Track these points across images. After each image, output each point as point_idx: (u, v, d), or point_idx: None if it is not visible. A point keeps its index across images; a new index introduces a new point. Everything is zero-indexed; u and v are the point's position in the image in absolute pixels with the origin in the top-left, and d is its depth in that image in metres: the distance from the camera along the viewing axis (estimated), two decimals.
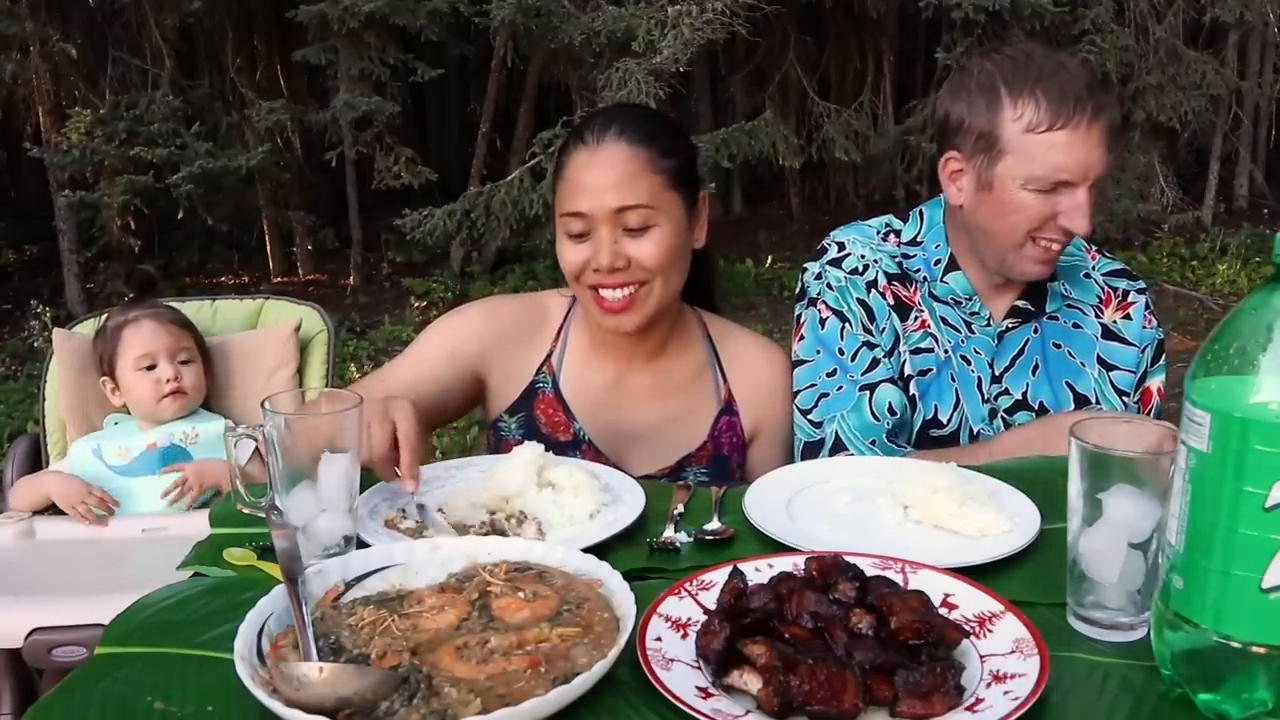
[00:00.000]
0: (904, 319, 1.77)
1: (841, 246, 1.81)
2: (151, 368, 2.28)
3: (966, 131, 1.65)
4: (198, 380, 2.34)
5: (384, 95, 7.50)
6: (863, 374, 1.73)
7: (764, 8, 7.37)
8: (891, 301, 1.76)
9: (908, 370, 1.75)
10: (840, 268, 1.79)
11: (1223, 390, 0.82)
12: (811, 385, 1.74)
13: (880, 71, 10.05)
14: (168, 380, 2.27)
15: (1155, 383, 1.83)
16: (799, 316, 1.80)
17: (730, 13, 7.00)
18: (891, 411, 1.71)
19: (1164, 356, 1.85)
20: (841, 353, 1.75)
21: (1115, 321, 1.80)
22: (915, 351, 1.75)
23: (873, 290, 1.77)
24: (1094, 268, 1.84)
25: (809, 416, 1.73)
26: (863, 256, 1.79)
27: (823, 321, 1.76)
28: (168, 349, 2.29)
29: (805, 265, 1.83)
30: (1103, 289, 1.82)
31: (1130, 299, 1.82)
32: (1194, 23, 9.24)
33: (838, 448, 1.69)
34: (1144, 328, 1.81)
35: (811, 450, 1.72)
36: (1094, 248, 1.87)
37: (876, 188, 9.79)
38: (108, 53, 7.70)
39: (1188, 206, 9.57)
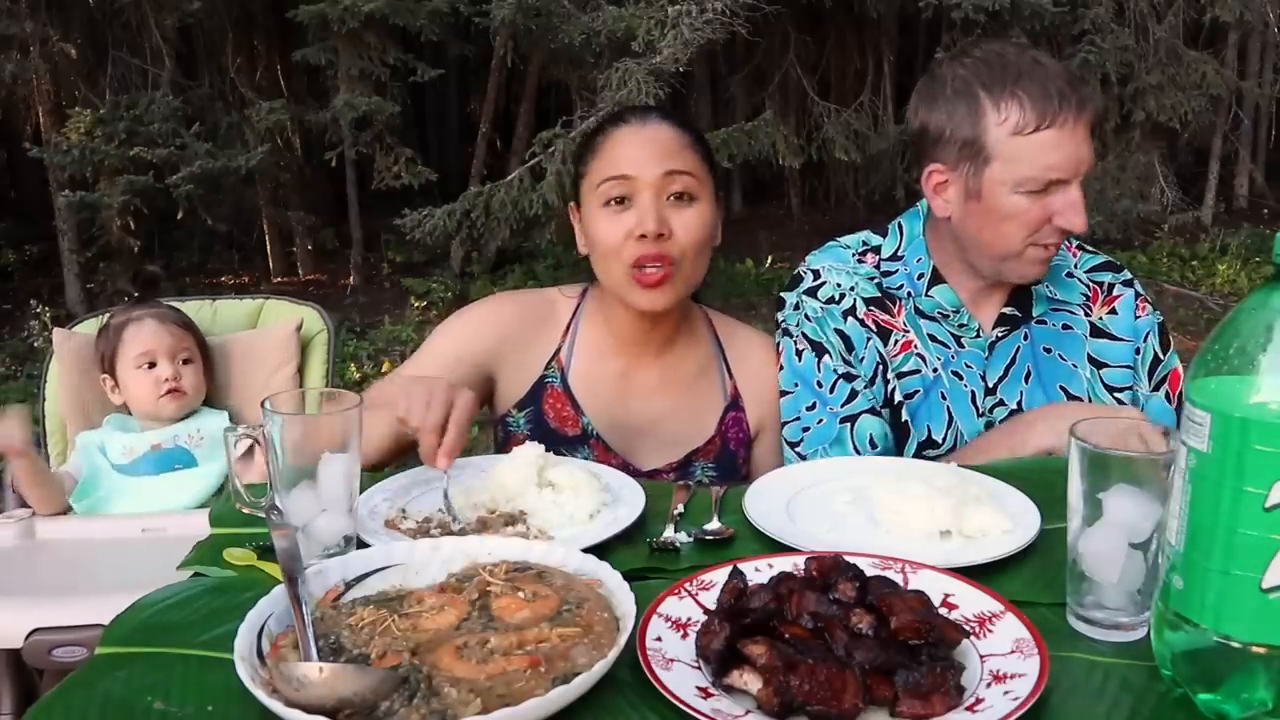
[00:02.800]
0: (886, 343, 1.73)
1: (817, 275, 1.77)
2: (152, 366, 2.29)
3: (948, 141, 1.60)
4: (197, 381, 2.34)
5: (384, 95, 7.49)
6: (842, 405, 1.70)
7: (764, 8, 7.36)
8: (874, 327, 1.72)
9: (897, 396, 1.71)
10: (816, 297, 1.75)
11: (1223, 390, 0.82)
12: (795, 419, 1.72)
13: (880, 71, 10.05)
14: (166, 379, 2.27)
15: (1177, 366, 1.78)
16: (778, 344, 1.78)
17: (730, 13, 7.00)
18: (873, 444, 1.68)
19: (1169, 337, 1.79)
20: (820, 385, 1.72)
21: (1102, 318, 1.75)
22: (901, 375, 1.71)
23: (850, 318, 1.73)
24: (1076, 265, 1.79)
25: (797, 450, 1.71)
26: (839, 284, 1.74)
27: (799, 354, 1.74)
28: (168, 348, 2.30)
29: (781, 294, 1.79)
30: (1088, 286, 1.77)
31: (1115, 292, 1.77)
32: (1194, 23, 9.24)
33: None
34: (1137, 318, 1.76)
35: None
36: (1075, 244, 1.81)
37: (876, 188, 9.78)
38: (108, 53, 7.69)
39: (1188, 206, 9.57)
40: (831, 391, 1.71)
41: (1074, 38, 8.46)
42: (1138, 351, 1.76)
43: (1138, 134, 8.95)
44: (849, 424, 1.69)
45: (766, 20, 8.03)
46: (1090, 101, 1.55)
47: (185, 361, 2.32)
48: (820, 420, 1.71)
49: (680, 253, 1.62)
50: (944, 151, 1.61)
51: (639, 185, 1.61)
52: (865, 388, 1.71)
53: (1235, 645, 0.83)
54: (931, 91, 1.63)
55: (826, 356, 1.72)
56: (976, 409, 1.70)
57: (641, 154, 1.62)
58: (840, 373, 1.71)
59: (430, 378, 1.43)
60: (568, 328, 1.80)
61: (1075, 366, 1.73)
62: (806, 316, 1.74)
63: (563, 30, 7.15)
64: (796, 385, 1.73)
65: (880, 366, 1.72)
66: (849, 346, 1.72)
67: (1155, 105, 8.63)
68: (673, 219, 1.61)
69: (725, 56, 9.81)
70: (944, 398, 1.70)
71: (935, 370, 1.71)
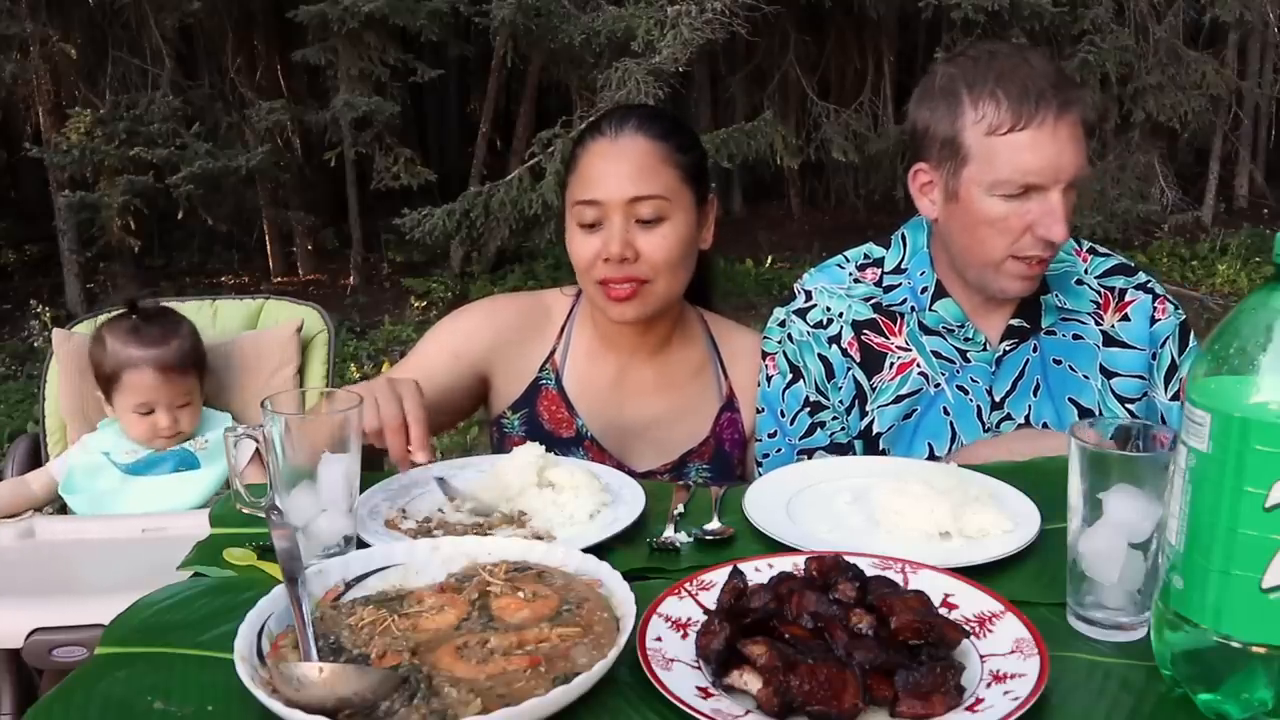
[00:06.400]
0: (876, 371, 1.69)
1: (809, 296, 1.74)
2: (150, 412, 2.25)
3: (931, 139, 1.57)
4: (194, 417, 2.29)
5: (384, 95, 7.50)
6: (800, 438, 1.70)
7: (764, 8, 7.37)
8: (858, 357, 1.69)
9: (876, 427, 1.68)
10: (805, 319, 1.72)
11: (1223, 390, 0.82)
12: (760, 440, 1.74)
13: (880, 71, 10.06)
14: (165, 427, 2.24)
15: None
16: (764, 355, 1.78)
17: (730, 13, 7.01)
18: None
19: (1192, 338, 1.70)
20: (783, 414, 1.72)
21: (1114, 326, 1.68)
22: (896, 400, 1.68)
23: (834, 345, 1.70)
24: (1087, 270, 1.71)
25: (759, 470, 1.72)
26: (828, 309, 1.71)
27: (769, 379, 1.74)
28: (167, 399, 2.23)
29: (776, 309, 1.78)
30: (1099, 292, 1.70)
31: (1129, 297, 1.69)
32: (1194, 23, 9.26)
33: None
34: (1155, 321, 1.68)
35: None
36: (1086, 248, 1.73)
37: (876, 188, 9.79)
38: (108, 53, 7.70)
39: (1188, 206, 9.59)
40: (792, 423, 1.71)
41: (1074, 38, 8.47)
42: (1154, 357, 1.69)
43: (1138, 134, 8.96)
44: (805, 457, 1.68)
45: (766, 20, 8.04)
46: (1076, 104, 1.49)
47: (184, 406, 2.26)
48: (779, 449, 1.72)
49: (650, 272, 1.63)
50: (927, 150, 1.58)
51: (607, 209, 1.61)
52: (833, 419, 1.70)
53: (1235, 645, 0.83)
54: (923, 88, 1.61)
55: (800, 382, 1.71)
56: (982, 423, 1.67)
57: (610, 176, 1.62)
58: (810, 401, 1.70)
59: (366, 382, 1.37)
60: (562, 330, 1.80)
61: (1086, 378, 1.67)
62: (790, 337, 1.73)
63: (563, 30, 7.16)
64: (763, 409, 1.75)
65: (858, 398, 1.70)
66: (829, 374, 1.70)
67: (1155, 105, 8.64)
68: (640, 240, 1.62)
69: (725, 56, 9.81)
70: (946, 412, 1.67)
71: (936, 386, 1.67)
